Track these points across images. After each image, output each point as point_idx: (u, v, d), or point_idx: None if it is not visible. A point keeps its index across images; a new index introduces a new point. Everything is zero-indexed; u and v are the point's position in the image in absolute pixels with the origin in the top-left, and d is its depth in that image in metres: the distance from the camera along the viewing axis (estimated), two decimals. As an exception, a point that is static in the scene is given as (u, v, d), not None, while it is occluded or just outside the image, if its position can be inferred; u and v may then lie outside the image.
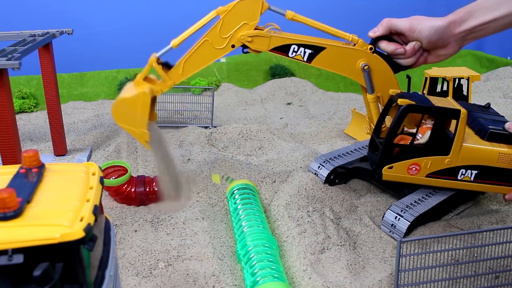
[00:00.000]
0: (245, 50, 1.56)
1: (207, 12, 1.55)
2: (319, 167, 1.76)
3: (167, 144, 1.73)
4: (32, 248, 0.64)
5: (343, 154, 1.83)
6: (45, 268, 0.62)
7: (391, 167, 1.51)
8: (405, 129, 1.63)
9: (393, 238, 1.48)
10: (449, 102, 1.53)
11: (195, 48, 1.55)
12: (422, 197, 1.56)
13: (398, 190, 1.64)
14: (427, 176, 1.52)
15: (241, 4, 1.49)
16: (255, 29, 1.53)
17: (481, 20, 1.43)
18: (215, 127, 2.35)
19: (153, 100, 1.56)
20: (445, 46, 1.51)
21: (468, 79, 2.27)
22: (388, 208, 1.51)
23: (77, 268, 0.66)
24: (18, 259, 0.63)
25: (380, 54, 1.57)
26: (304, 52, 1.54)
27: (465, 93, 2.31)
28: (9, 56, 1.50)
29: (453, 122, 1.47)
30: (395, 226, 1.47)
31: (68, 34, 2.01)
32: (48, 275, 0.63)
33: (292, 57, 1.56)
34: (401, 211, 1.48)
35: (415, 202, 1.53)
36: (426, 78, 2.30)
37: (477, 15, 1.43)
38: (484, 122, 1.55)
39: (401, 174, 1.52)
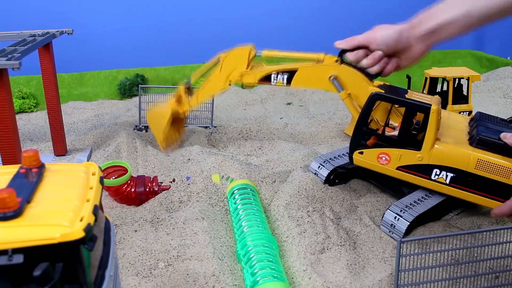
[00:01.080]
0: (243, 87, 1.91)
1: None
2: (319, 167, 1.77)
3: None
4: (32, 248, 0.64)
5: (343, 154, 1.83)
6: (45, 268, 0.62)
7: (361, 153, 1.55)
8: (391, 122, 1.64)
9: (393, 238, 1.48)
10: (430, 99, 1.51)
11: (207, 81, 1.94)
12: (422, 197, 1.56)
13: (398, 190, 1.64)
14: (398, 168, 1.52)
15: (235, 52, 1.87)
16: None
17: (440, 19, 1.46)
18: (215, 127, 2.35)
19: (178, 119, 2.03)
20: (409, 48, 1.56)
21: (468, 79, 2.27)
22: (388, 208, 1.51)
23: (77, 268, 0.66)
24: (18, 259, 0.63)
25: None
26: (283, 78, 1.81)
27: (465, 93, 2.31)
28: (9, 56, 1.50)
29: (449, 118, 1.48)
30: (394, 226, 1.47)
31: (68, 34, 2.01)
32: (48, 275, 0.63)
33: (274, 84, 1.83)
34: (401, 211, 1.48)
35: (414, 202, 1.53)
36: (426, 78, 2.30)
37: (435, 15, 1.48)
38: (481, 130, 1.49)
39: (371, 161, 1.54)
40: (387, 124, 1.57)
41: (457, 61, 3.67)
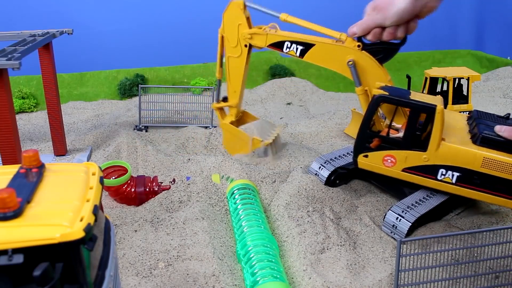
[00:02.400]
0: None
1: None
2: (319, 167, 1.76)
3: (268, 123, 2.10)
4: (32, 248, 0.64)
5: (343, 155, 1.83)
6: (45, 268, 0.62)
7: (366, 156, 1.53)
8: (393, 123, 1.63)
9: (394, 238, 1.48)
10: (433, 100, 1.50)
11: (227, 68, 1.90)
12: (423, 198, 1.55)
13: (399, 190, 1.63)
14: (404, 170, 1.50)
15: (226, 15, 1.81)
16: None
17: None
18: (215, 127, 2.35)
19: (244, 117, 2.08)
20: (425, 5, 1.47)
21: (468, 79, 2.27)
22: (389, 209, 1.51)
23: (77, 268, 0.66)
24: (18, 259, 0.63)
25: (369, 48, 1.64)
26: (297, 48, 1.74)
27: (465, 93, 2.31)
28: (9, 56, 1.50)
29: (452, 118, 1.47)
30: (396, 227, 1.47)
31: (68, 34, 2.01)
32: (48, 275, 0.63)
33: (286, 52, 1.76)
34: (402, 211, 1.48)
35: (416, 202, 1.53)
36: (426, 78, 2.30)
37: None
38: (483, 128, 1.49)
39: (376, 164, 1.52)
40: (390, 126, 1.55)
41: (457, 61, 3.67)
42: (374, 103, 1.49)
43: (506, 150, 1.42)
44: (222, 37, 1.86)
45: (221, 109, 2.03)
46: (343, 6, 3.51)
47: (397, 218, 1.47)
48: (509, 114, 1.63)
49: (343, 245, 1.41)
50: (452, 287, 1.21)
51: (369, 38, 1.59)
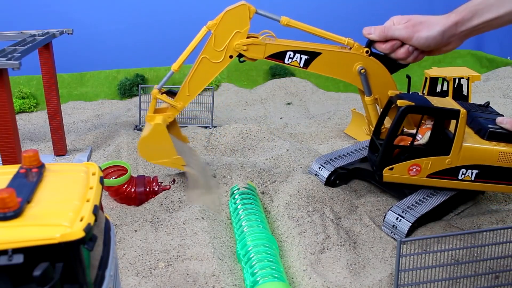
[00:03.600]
0: (241, 59, 1.59)
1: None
2: (319, 168, 1.76)
3: (193, 152, 1.81)
4: (32, 248, 0.64)
5: (343, 155, 1.83)
6: (45, 268, 0.62)
7: (391, 169, 1.51)
8: (405, 129, 1.63)
9: (394, 239, 1.48)
10: (448, 102, 1.53)
11: (195, 67, 1.59)
12: (423, 198, 1.56)
13: (399, 191, 1.63)
14: (428, 176, 1.51)
15: (229, 14, 1.52)
16: (250, 37, 1.55)
17: (485, 18, 1.43)
18: (215, 127, 2.35)
19: (173, 125, 1.67)
20: (447, 45, 1.51)
21: (468, 79, 2.27)
22: (389, 209, 1.51)
23: (77, 268, 0.66)
24: (18, 259, 0.63)
25: (377, 55, 1.58)
26: (300, 58, 1.55)
27: (465, 93, 2.31)
28: (9, 56, 1.50)
29: (453, 122, 1.48)
30: (396, 227, 1.47)
31: (68, 34, 2.01)
32: (48, 275, 0.63)
33: (288, 64, 1.57)
34: (403, 212, 1.48)
35: (416, 203, 1.53)
36: (426, 78, 2.30)
37: (481, 13, 1.43)
38: (484, 122, 1.55)
39: (401, 175, 1.52)
40: (414, 136, 1.52)
41: (457, 61, 3.67)
42: (402, 115, 1.45)
43: None
44: (207, 32, 1.55)
45: (166, 98, 1.64)
46: (343, 7, 3.52)
47: (397, 218, 1.48)
48: (488, 102, 1.71)
49: (343, 245, 1.41)
50: (452, 287, 1.21)
51: (383, 47, 1.53)
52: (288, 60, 1.56)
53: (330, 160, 1.78)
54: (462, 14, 1.45)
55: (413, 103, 1.45)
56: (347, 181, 1.78)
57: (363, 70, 1.55)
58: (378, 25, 1.53)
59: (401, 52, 1.52)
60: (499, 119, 1.52)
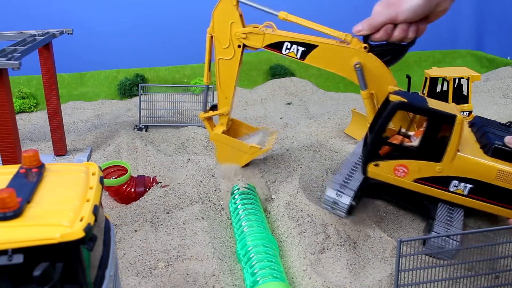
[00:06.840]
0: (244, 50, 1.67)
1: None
2: (337, 194, 1.49)
3: (265, 130, 1.98)
4: (32, 248, 0.64)
5: (351, 171, 1.61)
6: (45, 268, 0.62)
7: (377, 165, 1.44)
8: (402, 130, 1.59)
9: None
10: (449, 108, 1.45)
11: (217, 72, 1.71)
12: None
13: (420, 204, 1.53)
14: (415, 181, 1.43)
15: (216, 13, 1.63)
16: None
17: None
18: (215, 127, 2.35)
19: (238, 125, 1.91)
20: (437, 5, 1.44)
21: (468, 79, 2.27)
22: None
23: (77, 268, 0.66)
24: (18, 259, 0.63)
25: (375, 50, 1.56)
26: (297, 50, 1.60)
27: (465, 93, 2.31)
28: (9, 56, 1.50)
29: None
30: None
31: (68, 34, 2.01)
32: (48, 275, 0.63)
33: (285, 54, 1.62)
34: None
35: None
36: (426, 78, 2.30)
37: None
38: (492, 137, 1.43)
39: (386, 173, 1.44)
40: (399, 133, 1.47)
41: (457, 61, 3.67)
42: (392, 110, 1.39)
43: None
44: (211, 38, 1.67)
45: (209, 119, 1.81)
46: (344, 4, 3.51)
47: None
48: (510, 122, 1.59)
49: (343, 245, 1.41)
50: (452, 287, 1.21)
51: (379, 36, 1.49)
52: (285, 51, 1.61)
53: (344, 181, 1.53)
54: None
55: (405, 100, 1.39)
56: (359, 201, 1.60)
57: (358, 65, 1.55)
58: (364, 19, 1.50)
59: (397, 33, 1.48)
60: (507, 138, 1.41)
